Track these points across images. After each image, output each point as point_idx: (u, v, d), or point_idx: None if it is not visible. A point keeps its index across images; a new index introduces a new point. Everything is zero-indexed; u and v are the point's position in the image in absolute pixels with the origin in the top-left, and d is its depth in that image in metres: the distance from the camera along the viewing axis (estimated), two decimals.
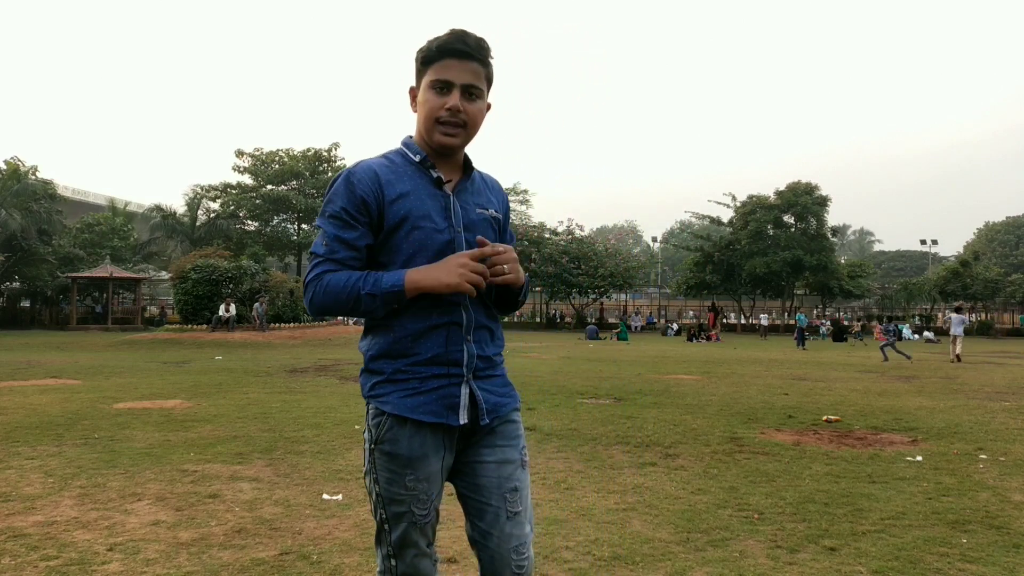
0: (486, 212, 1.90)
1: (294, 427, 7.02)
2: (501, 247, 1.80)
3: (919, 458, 5.88)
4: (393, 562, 1.86)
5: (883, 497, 4.66)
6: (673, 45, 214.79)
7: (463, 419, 1.80)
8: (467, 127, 1.83)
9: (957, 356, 18.55)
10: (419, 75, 1.86)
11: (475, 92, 1.82)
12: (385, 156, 1.89)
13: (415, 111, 1.88)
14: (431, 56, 1.81)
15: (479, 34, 1.85)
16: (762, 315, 40.98)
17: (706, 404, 9.08)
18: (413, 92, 1.89)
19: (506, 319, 37.54)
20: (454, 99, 1.79)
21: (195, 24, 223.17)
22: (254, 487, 4.77)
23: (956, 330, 19.03)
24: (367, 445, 1.86)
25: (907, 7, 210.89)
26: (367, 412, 1.88)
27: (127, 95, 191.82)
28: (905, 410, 8.77)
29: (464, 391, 1.81)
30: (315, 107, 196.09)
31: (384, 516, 1.84)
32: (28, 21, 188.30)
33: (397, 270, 1.76)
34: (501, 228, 1.98)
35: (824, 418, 7.87)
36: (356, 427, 7.00)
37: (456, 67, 1.79)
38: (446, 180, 1.86)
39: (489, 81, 1.87)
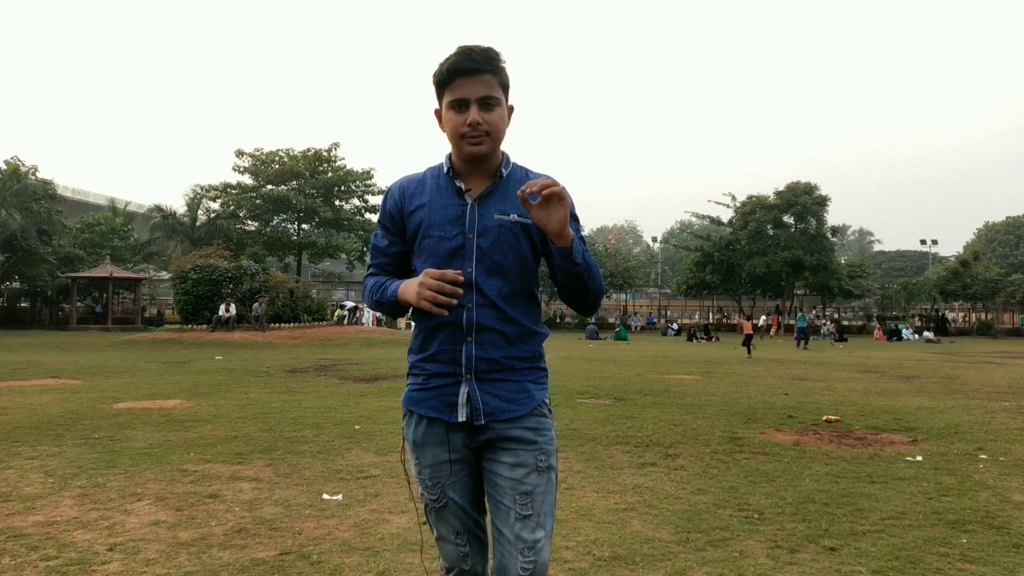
0: (506, 218, 1.94)
1: (294, 427, 7.02)
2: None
3: (919, 458, 5.88)
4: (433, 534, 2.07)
5: (883, 497, 4.67)
6: (673, 44, 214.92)
7: (461, 417, 1.93)
8: (491, 135, 1.93)
9: None
10: (439, 98, 1.99)
11: (491, 102, 1.93)
12: (424, 172, 2.08)
13: (443, 130, 2.01)
14: (444, 79, 1.94)
15: (484, 44, 1.94)
16: (763, 316, 40.91)
17: (706, 404, 9.08)
18: (438, 113, 2.01)
19: None
20: (472, 115, 1.90)
21: (195, 24, 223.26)
22: (254, 487, 4.77)
23: None
24: None
25: (908, 7, 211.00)
26: None
27: (127, 95, 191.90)
28: (905, 410, 8.77)
29: (463, 390, 1.94)
30: (315, 107, 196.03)
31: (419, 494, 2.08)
32: (28, 21, 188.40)
33: (399, 280, 2.01)
34: (531, 229, 1.95)
35: (824, 418, 7.87)
36: (356, 427, 7.01)
37: (468, 84, 1.91)
38: (468, 189, 1.97)
39: (504, 87, 1.97)
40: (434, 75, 1.97)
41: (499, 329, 1.94)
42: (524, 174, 2.05)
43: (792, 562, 3.49)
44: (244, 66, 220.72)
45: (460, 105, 1.92)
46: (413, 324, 2.07)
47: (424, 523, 2.08)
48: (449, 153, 2.03)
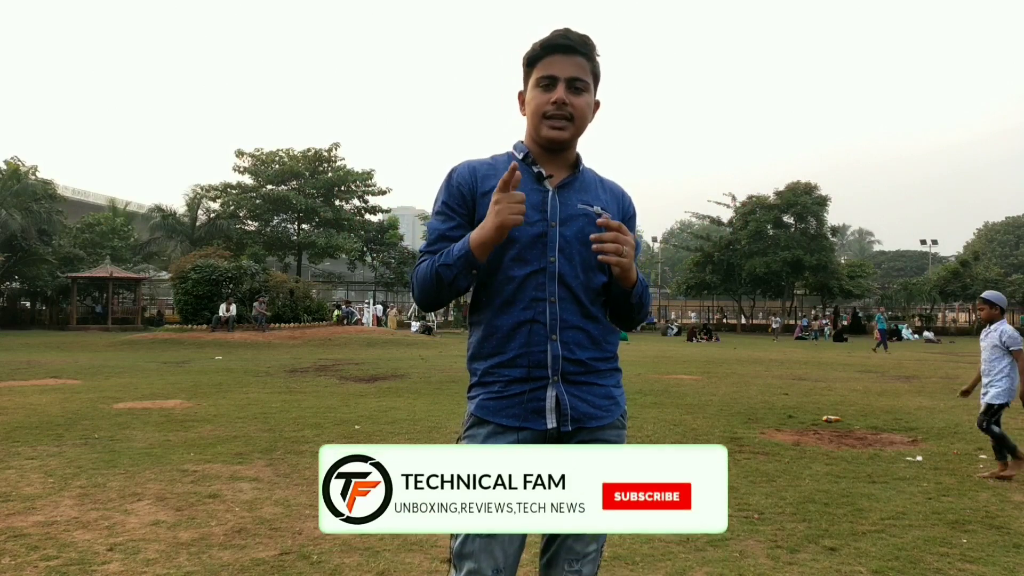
0: (590, 208, 1.83)
1: (294, 427, 7.02)
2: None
3: (919, 458, 5.88)
4: (453, 573, 1.78)
5: (883, 497, 4.67)
6: (673, 45, 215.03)
7: (550, 423, 1.75)
8: (574, 120, 1.82)
9: None
10: (525, 77, 1.88)
11: (580, 85, 1.82)
12: (491, 156, 1.92)
13: (524, 114, 1.90)
14: (536, 55, 1.83)
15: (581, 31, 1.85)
16: (774, 318, 40.95)
17: (706, 404, 9.08)
18: (521, 96, 1.90)
19: None
20: (559, 93, 1.79)
21: (195, 24, 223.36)
22: (254, 487, 4.77)
23: None
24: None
25: (908, 8, 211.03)
26: None
27: (127, 95, 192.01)
28: (905, 410, 8.77)
29: (550, 394, 1.76)
30: (315, 107, 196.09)
31: None
32: (29, 21, 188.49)
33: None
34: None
35: (824, 418, 7.87)
36: (356, 427, 7.01)
37: (560, 62, 1.80)
38: (549, 175, 1.84)
39: (596, 77, 1.87)
40: (525, 54, 1.86)
41: (583, 327, 1.80)
42: (597, 177, 1.95)
43: (792, 562, 3.49)
44: (244, 66, 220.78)
45: (548, 83, 1.80)
46: (475, 325, 1.85)
47: (448, 561, 1.79)
48: (519, 142, 1.92)
